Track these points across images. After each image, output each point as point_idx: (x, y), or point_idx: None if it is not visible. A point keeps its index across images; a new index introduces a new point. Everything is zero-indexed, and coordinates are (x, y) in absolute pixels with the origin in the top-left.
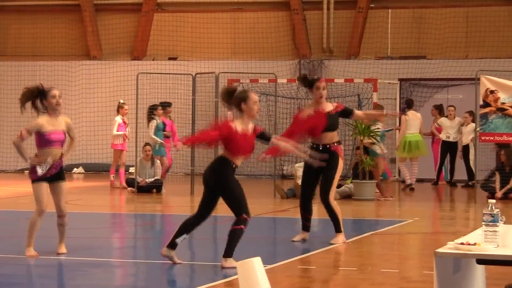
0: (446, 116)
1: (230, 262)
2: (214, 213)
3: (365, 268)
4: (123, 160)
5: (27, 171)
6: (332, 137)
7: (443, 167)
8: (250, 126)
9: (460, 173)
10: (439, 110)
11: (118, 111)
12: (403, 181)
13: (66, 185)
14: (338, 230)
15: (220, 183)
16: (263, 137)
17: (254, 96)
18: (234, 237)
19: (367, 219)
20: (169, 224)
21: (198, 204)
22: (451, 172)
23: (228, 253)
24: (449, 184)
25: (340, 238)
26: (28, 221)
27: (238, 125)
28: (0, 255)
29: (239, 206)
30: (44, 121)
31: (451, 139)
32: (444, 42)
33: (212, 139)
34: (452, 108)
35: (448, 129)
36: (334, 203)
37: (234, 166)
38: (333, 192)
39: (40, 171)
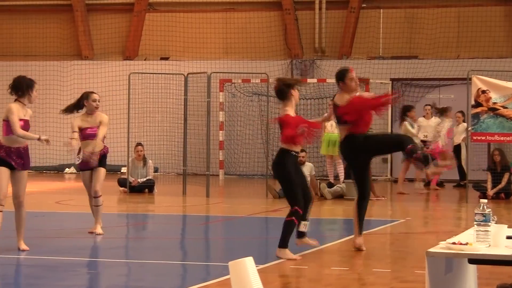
0: (424, 116)
1: (284, 252)
2: (206, 213)
3: (357, 268)
4: None
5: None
6: None
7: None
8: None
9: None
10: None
11: None
12: (395, 181)
13: (102, 171)
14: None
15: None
16: None
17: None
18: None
19: None
20: (161, 224)
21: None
22: None
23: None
24: (437, 184)
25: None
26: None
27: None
28: None
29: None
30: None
31: (428, 138)
32: (436, 42)
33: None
34: (428, 107)
35: (426, 129)
36: None
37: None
38: None
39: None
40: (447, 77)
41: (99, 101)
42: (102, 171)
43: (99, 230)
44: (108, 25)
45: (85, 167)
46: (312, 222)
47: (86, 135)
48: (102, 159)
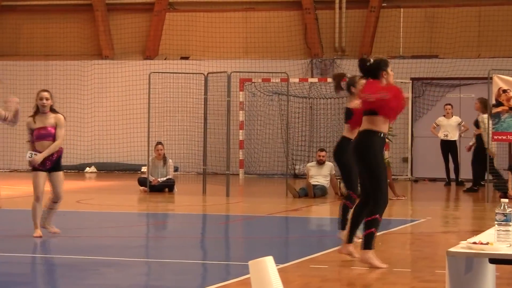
0: (444, 115)
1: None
2: (226, 213)
3: (377, 267)
4: None
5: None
6: None
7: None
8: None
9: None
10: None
11: None
12: (416, 180)
13: (61, 175)
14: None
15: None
16: None
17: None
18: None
19: None
20: (181, 224)
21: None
22: (455, 171)
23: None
24: (456, 183)
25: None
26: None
27: None
28: (6, 254)
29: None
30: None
31: (449, 138)
32: (456, 41)
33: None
34: (449, 107)
35: (446, 128)
36: None
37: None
38: None
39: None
40: (468, 76)
41: (46, 99)
42: (61, 175)
43: (54, 229)
44: (129, 24)
45: (40, 167)
46: (331, 221)
47: (37, 135)
48: (57, 162)
